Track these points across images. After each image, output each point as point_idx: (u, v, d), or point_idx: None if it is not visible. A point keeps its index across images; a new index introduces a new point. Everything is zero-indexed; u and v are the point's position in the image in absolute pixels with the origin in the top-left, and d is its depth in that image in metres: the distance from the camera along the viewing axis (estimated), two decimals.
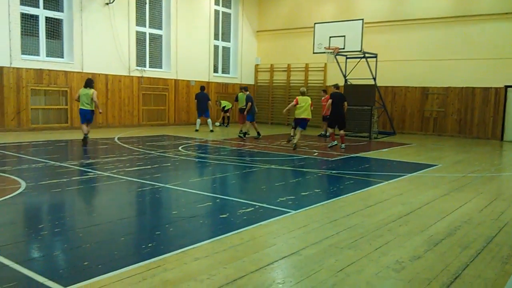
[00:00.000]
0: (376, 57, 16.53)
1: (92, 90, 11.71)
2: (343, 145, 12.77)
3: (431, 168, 9.56)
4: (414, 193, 6.88)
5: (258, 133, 15.05)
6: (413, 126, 18.61)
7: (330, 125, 13.14)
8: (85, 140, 11.64)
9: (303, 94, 12.74)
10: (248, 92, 15.17)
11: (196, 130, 16.68)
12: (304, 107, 12.43)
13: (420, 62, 18.02)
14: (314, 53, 17.00)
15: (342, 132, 12.94)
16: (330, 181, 8.11)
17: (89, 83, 11.80)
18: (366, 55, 16.21)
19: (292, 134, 13.07)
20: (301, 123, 12.48)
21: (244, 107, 15.18)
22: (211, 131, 16.53)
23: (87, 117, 11.76)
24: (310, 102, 12.63)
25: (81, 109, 11.77)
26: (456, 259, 4.00)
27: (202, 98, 16.72)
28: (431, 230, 4.91)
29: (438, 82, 17.84)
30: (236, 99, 16.35)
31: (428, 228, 4.97)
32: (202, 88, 17.07)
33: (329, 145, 12.95)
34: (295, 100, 12.60)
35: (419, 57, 18.01)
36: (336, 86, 13.33)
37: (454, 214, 5.64)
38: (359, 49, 15.70)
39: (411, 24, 18.24)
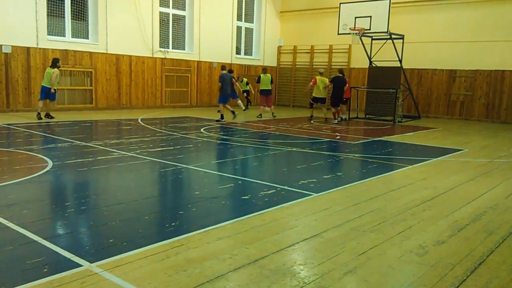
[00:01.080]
0: (402, 38, 16.14)
1: (53, 70, 12.43)
2: (335, 120, 14.99)
3: (457, 152, 9.37)
4: (438, 178, 6.77)
5: (233, 112, 14.39)
6: (439, 110, 18.22)
7: (332, 104, 15.04)
8: (38, 116, 12.48)
9: (321, 74, 15.15)
10: (224, 71, 14.01)
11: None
12: (321, 87, 14.81)
13: (448, 44, 17.52)
14: (338, 34, 16.69)
15: (334, 109, 14.99)
16: (352, 164, 8.04)
17: (53, 62, 12.62)
18: (393, 36, 15.84)
19: (311, 114, 15.55)
20: (321, 100, 15.05)
21: (269, 88, 15.56)
22: (244, 109, 17.35)
23: (46, 95, 12.59)
24: (327, 82, 14.89)
25: (42, 86, 12.76)
26: (480, 245, 3.94)
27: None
28: (456, 215, 4.84)
29: (466, 65, 17.35)
30: (258, 81, 16.34)
31: (452, 213, 4.89)
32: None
33: (335, 121, 14.94)
34: (313, 79, 15.04)
35: (447, 39, 17.50)
36: (340, 71, 15.23)
37: (480, 200, 5.53)
38: (385, 30, 15.34)
39: (439, 4, 17.70)
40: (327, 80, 15.02)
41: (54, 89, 12.62)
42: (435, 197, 5.60)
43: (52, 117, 12.79)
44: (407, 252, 3.70)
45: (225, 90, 13.86)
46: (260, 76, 16.44)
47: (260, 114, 15.82)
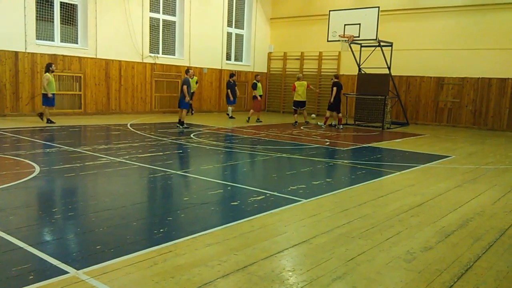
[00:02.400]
0: (391, 46, 16.31)
1: (44, 74, 12.75)
2: (323, 125, 15.49)
3: (444, 159, 9.46)
4: (426, 184, 6.83)
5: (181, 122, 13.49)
6: (427, 116, 18.40)
7: (333, 109, 15.30)
8: (48, 121, 12.79)
9: (299, 79, 16.18)
10: (187, 75, 13.43)
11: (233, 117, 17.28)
12: (300, 91, 15.82)
13: (436, 52, 17.73)
14: (328, 41, 16.82)
15: (340, 114, 15.36)
16: (341, 170, 8.08)
17: (46, 67, 12.90)
18: (381, 43, 16.00)
19: (295, 119, 16.00)
20: (301, 104, 15.94)
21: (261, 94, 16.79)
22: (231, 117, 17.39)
23: (44, 101, 12.87)
24: (305, 85, 15.97)
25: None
26: (468, 251, 3.97)
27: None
28: (443, 221, 4.88)
29: (454, 72, 17.56)
30: (255, 87, 16.83)
31: (440, 220, 4.93)
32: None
33: (323, 126, 15.45)
34: (293, 86, 16.22)
35: (435, 47, 17.71)
36: (336, 76, 15.71)
37: (467, 206, 5.59)
38: (374, 38, 15.49)
39: (427, 12, 17.92)
40: (305, 83, 16.08)
41: (51, 94, 12.64)
42: (423, 203, 5.64)
43: (41, 119, 12.89)
44: (395, 258, 3.72)
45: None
46: (255, 83, 16.92)
47: (258, 119, 16.70)
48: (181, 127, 13.12)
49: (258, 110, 16.74)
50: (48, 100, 12.69)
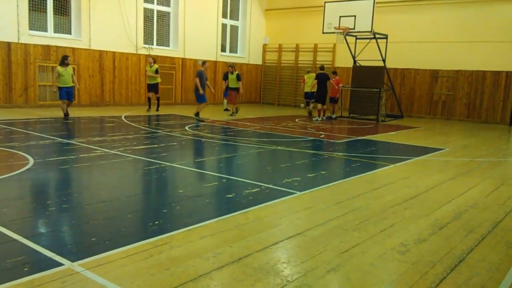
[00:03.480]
0: (386, 38, 16.30)
1: (56, 68, 12.17)
2: (319, 118, 15.32)
3: (438, 152, 9.51)
4: (420, 177, 6.87)
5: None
6: (421, 109, 18.46)
7: (318, 101, 15.39)
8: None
9: (309, 73, 16.91)
10: (202, 68, 13.43)
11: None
12: (309, 83, 16.20)
13: (431, 44, 17.74)
14: (323, 33, 16.78)
15: (320, 106, 15.32)
16: (336, 163, 8.10)
17: (60, 59, 12.31)
18: (376, 36, 15.99)
19: (310, 108, 16.55)
20: (311, 95, 16.18)
21: (236, 86, 15.79)
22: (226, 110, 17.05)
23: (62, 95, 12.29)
24: (314, 77, 15.97)
25: None
26: (461, 243, 4.01)
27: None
28: (437, 213, 4.91)
29: (449, 65, 17.60)
30: (226, 78, 16.21)
31: (433, 212, 4.97)
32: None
33: (318, 119, 15.29)
34: (302, 79, 17.06)
35: (430, 39, 17.72)
36: (322, 68, 15.77)
37: (460, 199, 5.63)
38: (370, 30, 15.48)
39: (422, 5, 17.91)
40: (314, 75, 16.00)
41: (66, 87, 12.03)
42: (416, 195, 5.68)
43: (66, 116, 12.23)
44: (389, 250, 3.75)
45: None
46: (227, 73, 16.19)
47: (228, 110, 16.41)
48: (196, 118, 13.06)
49: (231, 102, 16.15)
50: (60, 94, 12.04)
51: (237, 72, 16.03)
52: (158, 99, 15.81)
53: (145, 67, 16.14)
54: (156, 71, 15.30)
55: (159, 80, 15.47)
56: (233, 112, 15.64)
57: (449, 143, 10.89)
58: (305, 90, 16.60)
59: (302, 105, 18.79)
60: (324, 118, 15.57)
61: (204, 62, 13.62)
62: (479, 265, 3.53)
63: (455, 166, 7.92)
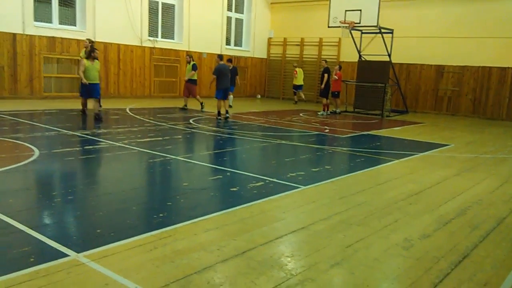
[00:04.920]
0: (392, 33, 16.20)
1: (83, 60, 10.76)
2: (324, 112, 15.30)
3: (443, 147, 9.48)
4: (425, 172, 6.85)
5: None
6: (426, 105, 18.38)
7: (322, 96, 15.69)
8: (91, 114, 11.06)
9: (295, 67, 19.22)
10: (222, 62, 12.54)
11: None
12: (299, 76, 18.63)
13: (436, 40, 17.62)
14: (329, 27, 16.68)
15: (325, 100, 15.48)
16: (340, 158, 8.09)
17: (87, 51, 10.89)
18: (382, 30, 15.89)
19: (296, 98, 18.91)
20: (300, 87, 18.67)
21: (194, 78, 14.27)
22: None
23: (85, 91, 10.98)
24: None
25: None
26: (465, 239, 4.01)
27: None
28: (441, 209, 4.91)
29: (454, 61, 17.49)
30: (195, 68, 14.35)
31: (438, 208, 4.96)
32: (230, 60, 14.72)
33: (325, 114, 15.25)
34: (295, 72, 19.05)
35: (436, 34, 17.60)
36: (326, 61, 16.22)
37: (465, 195, 5.61)
38: (375, 24, 15.38)
39: (429, 0, 17.77)
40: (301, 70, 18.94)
41: (85, 83, 10.47)
42: (421, 191, 5.67)
43: (98, 118, 10.59)
44: (393, 245, 3.75)
45: (221, 83, 12.16)
46: (194, 64, 14.42)
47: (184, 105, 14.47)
48: (219, 117, 12.16)
49: (192, 96, 14.46)
50: (84, 89, 10.66)
51: (194, 62, 14.44)
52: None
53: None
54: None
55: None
56: (184, 106, 14.30)
57: (454, 139, 10.85)
58: (298, 83, 18.93)
59: (323, 113, 17.80)
60: (329, 112, 15.53)
61: (230, 59, 12.88)
62: (484, 261, 3.53)
63: (460, 162, 7.89)
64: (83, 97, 10.94)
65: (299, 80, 19.35)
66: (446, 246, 3.81)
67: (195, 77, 14.44)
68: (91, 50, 10.72)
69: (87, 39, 11.69)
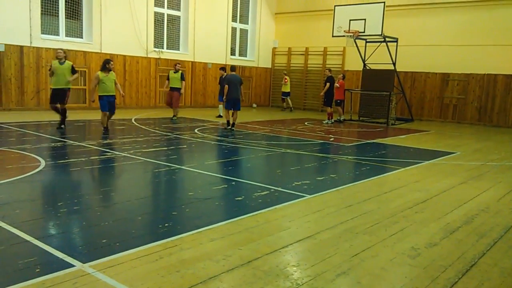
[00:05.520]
0: (396, 41, 16.23)
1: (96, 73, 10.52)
2: (329, 121, 15.45)
3: (449, 155, 9.44)
4: (431, 181, 6.82)
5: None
6: (431, 113, 18.33)
7: (327, 105, 15.67)
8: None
9: (285, 74, 20.60)
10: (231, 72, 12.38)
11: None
12: (288, 83, 20.06)
13: (441, 48, 17.63)
14: (333, 36, 16.76)
15: (329, 109, 15.62)
16: (345, 166, 8.07)
17: (102, 64, 10.59)
18: (387, 39, 15.93)
19: (285, 105, 20.32)
20: (288, 93, 20.20)
21: (178, 86, 13.81)
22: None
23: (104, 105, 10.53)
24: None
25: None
26: (472, 247, 3.97)
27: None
28: (448, 217, 4.87)
29: (460, 69, 17.47)
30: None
31: (444, 216, 4.93)
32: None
33: (330, 122, 15.41)
34: (285, 79, 20.36)
35: (441, 42, 17.61)
36: (329, 70, 15.91)
37: (472, 203, 5.58)
38: (380, 33, 15.42)
39: (433, 8, 17.81)
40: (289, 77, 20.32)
41: (92, 100, 10.52)
42: (427, 199, 5.63)
43: (105, 130, 10.42)
44: (400, 254, 3.72)
45: (229, 93, 12.00)
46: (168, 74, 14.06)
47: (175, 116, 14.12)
48: (228, 127, 12.05)
49: (168, 105, 14.23)
50: (101, 104, 10.30)
51: (181, 71, 14.03)
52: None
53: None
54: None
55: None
56: (174, 116, 14.03)
57: (460, 147, 10.80)
58: (286, 90, 20.37)
59: (254, 105, 21.18)
60: (333, 121, 15.54)
61: (233, 67, 12.46)
62: (491, 270, 3.50)
63: (466, 170, 7.85)
64: (104, 110, 10.33)
65: (288, 87, 20.54)
66: (453, 254, 3.77)
67: (181, 86, 13.95)
68: (106, 61, 10.36)
69: (60, 48, 10.78)
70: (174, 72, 13.90)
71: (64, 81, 10.38)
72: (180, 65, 14.25)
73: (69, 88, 10.64)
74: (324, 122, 15.43)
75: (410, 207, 5.21)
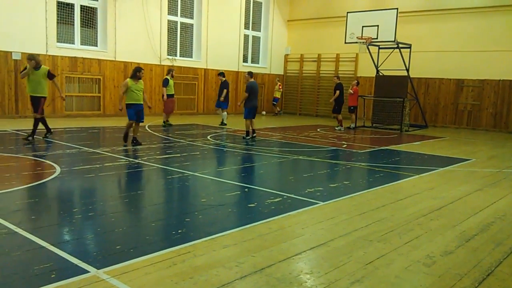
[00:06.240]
0: (410, 47, 16.14)
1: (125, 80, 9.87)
2: (342, 128, 15.38)
3: (464, 162, 9.32)
4: (446, 188, 6.74)
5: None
6: (446, 119, 18.15)
7: (337, 112, 15.48)
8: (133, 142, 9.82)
9: (278, 81, 21.61)
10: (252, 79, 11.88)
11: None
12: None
13: (455, 54, 17.48)
14: (345, 43, 16.74)
15: (341, 116, 15.56)
16: (359, 173, 8.02)
17: (132, 71, 9.93)
18: (400, 45, 15.85)
19: (276, 110, 21.24)
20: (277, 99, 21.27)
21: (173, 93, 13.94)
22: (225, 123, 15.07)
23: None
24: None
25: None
26: (489, 255, 3.91)
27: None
28: (463, 225, 4.81)
29: (474, 74, 17.30)
30: (166, 84, 13.74)
31: (460, 224, 4.86)
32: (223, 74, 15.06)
33: (342, 129, 15.34)
34: (279, 85, 21.30)
35: (455, 48, 17.47)
36: (338, 77, 15.71)
37: (488, 210, 5.49)
38: (393, 39, 15.36)
39: (447, 13, 17.70)
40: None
41: (120, 108, 9.71)
42: (442, 207, 5.57)
43: (136, 143, 9.67)
44: (415, 262, 3.68)
45: (248, 101, 11.57)
46: (167, 79, 13.77)
47: (167, 121, 14.10)
48: (247, 137, 11.57)
49: (168, 112, 14.08)
50: (128, 112, 9.58)
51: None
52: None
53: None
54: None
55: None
56: (168, 121, 13.98)
57: (475, 154, 10.66)
58: (278, 96, 21.41)
59: (264, 112, 21.71)
60: (343, 128, 15.41)
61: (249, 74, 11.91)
62: (509, 279, 3.43)
63: (481, 177, 7.74)
64: (132, 119, 9.62)
65: (279, 93, 21.58)
66: (469, 263, 3.72)
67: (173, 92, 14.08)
68: (137, 69, 9.73)
69: (30, 54, 10.00)
70: (171, 78, 13.89)
71: (39, 88, 9.68)
72: (174, 71, 14.37)
73: (44, 97, 9.83)
74: (336, 128, 15.37)
75: (425, 215, 5.15)
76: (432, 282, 3.32)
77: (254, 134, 11.74)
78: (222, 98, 14.80)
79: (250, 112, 11.58)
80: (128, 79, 9.69)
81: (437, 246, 4.09)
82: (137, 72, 9.68)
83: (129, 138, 9.77)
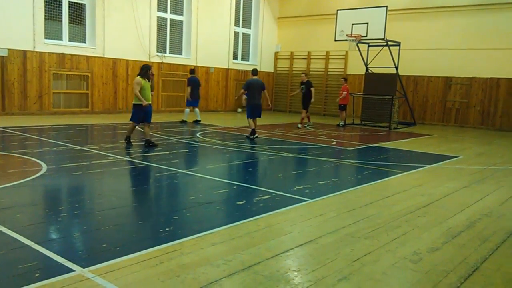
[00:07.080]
0: (399, 45, 16.23)
1: (136, 78, 9.36)
2: (306, 125, 15.07)
3: (452, 159, 9.40)
4: (433, 185, 6.78)
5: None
6: (434, 116, 18.29)
7: (306, 108, 14.78)
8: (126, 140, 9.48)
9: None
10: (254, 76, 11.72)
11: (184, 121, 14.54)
12: None
13: (444, 51, 17.61)
14: (335, 40, 16.78)
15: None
16: (347, 170, 8.05)
17: (140, 69, 9.46)
18: (389, 43, 15.93)
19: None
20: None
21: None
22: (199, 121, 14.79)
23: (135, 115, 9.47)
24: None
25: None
26: (475, 252, 3.94)
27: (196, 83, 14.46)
28: (450, 222, 4.84)
29: (462, 72, 17.44)
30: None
31: (447, 220, 4.90)
32: (194, 71, 14.89)
33: (306, 126, 14.99)
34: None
35: (444, 46, 17.60)
36: (306, 74, 15.60)
37: (474, 207, 5.54)
38: (382, 37, 15.43)
39: (436, 12, 17.81)
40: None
41: (145, 104, 9.16)
42: (429, 203, 5.60)
43: (152, 145, 9.18)
44: (401, 259, 3.69)
45: (248, 99, 11.51)
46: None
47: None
48: (250, 136, 11.17)
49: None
50: (136, 112, 9.25)
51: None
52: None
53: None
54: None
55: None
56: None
57: (463, 151, 10.76)
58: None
59: (239, 109, 20.35)
60: (306, 126, 14.97)
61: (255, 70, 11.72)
62: (494, 275, 3.47)
63: (468, 174, 7.81)
64: (135, 121, 9.29)
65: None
66: (455, 259, 3.75)
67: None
68: (147, 68, 9.29)
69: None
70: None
71: None
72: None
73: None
74: (299, 125, 14.74)
75: (412, 212, 5.18)
76: (418, 278, 3.34)
77: (255, 135, 11.28)
78: (188, 97, 14.46)
79: (250, 110, 11.40)
80: (139, 78, 9.15)
81: (424, 243, 4.12)
82: (148, 71, 9.24)
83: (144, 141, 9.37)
